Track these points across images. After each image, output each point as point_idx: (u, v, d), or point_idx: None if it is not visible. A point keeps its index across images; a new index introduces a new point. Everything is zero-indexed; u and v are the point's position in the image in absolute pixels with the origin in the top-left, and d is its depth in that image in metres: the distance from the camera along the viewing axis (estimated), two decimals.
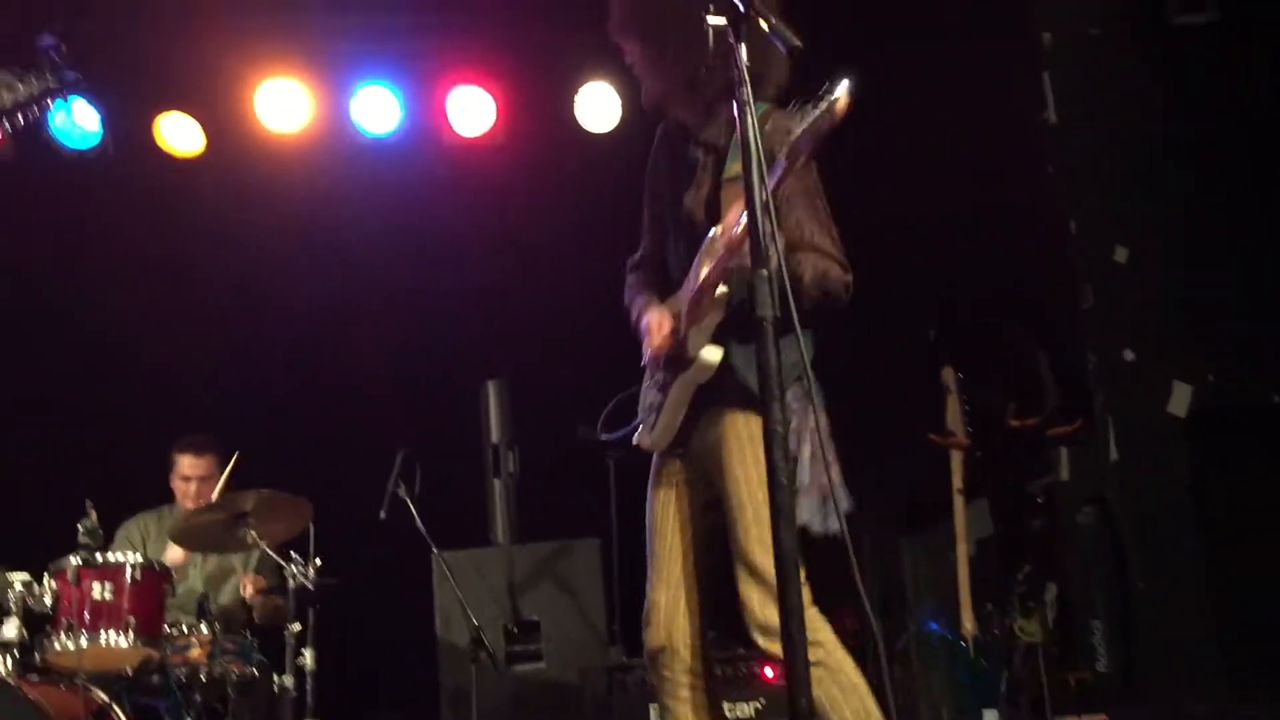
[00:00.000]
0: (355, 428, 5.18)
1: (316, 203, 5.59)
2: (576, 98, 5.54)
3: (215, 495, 4.25)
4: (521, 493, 4.86)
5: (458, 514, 4.78)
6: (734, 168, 2.64)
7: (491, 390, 4.94)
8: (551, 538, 4.74)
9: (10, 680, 3.52)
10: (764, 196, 1.86)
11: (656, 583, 2.76)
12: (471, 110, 5.57)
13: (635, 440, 2.92)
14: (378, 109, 5.53)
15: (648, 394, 2.85)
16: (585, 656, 4.49)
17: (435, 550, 4.43)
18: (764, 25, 1.86)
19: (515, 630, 4.62)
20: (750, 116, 1.88)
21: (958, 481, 3.76)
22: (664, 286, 2.87)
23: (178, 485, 4.50)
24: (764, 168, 1.87)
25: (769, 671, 4.03)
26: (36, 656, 3.71)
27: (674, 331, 2.71)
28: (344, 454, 5.03)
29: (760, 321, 1.80)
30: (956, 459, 3.80)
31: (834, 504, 2.60)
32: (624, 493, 4.56)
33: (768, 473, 1.77)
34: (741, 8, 1.90)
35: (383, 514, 4.38)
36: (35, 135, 5.29)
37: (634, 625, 4.30)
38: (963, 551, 3.69)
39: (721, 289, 2.57)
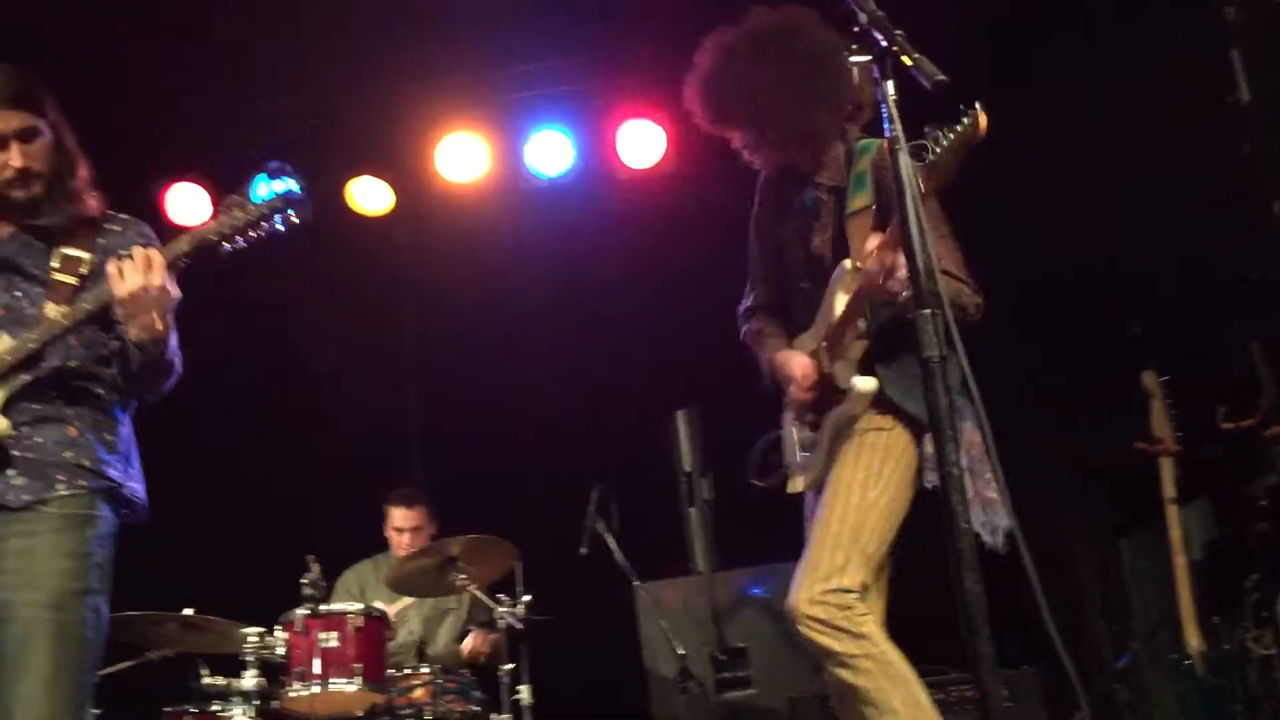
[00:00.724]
0: (552, 466, 5.31)
1: (499, 247, 5.78)
2: None
3: None
4: (719, 519, 4.87)
5: (657, 544, 4.83)
6: (856, 202, 2.72)
7: (681, 420, 4.98)
8: (752, 564, 4.73)
9: None
10: (921, 235, 1.82)
11: None
12: (641, 143, 5.66)
13: (789, 488, 2.95)
14: (551, 151, 5.70)
15: (797, 434, 2.86)
16: (795, 683, 4.45)
17: (636, 582, 4.49)
18: (907, 60, 1.84)
19: (723, 658, 4.62)
20: (904, 154, 1.85)
21: (1170, 490, 3.57)
22: (787, 329, 2.95)
23: (391, 535, 4.74)
24: (919, 204, 1.84)
25: None
26: (274, 704, 3.98)
27: (818, 370, 2.73)
28: (544, 493, 5.17)
29: (928, 362, 1.77)
30: (1166, 466, 3.61)
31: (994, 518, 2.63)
32: None
33: (947, 517, 1.74)
34: (885, 43, 1.88)
35: (583, 550, 4.48)
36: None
37: None
38: (1181, 564, 3.49)
39: (861, 322, 2.59)
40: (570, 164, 5.67)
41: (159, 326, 2.50)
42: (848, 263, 2.68)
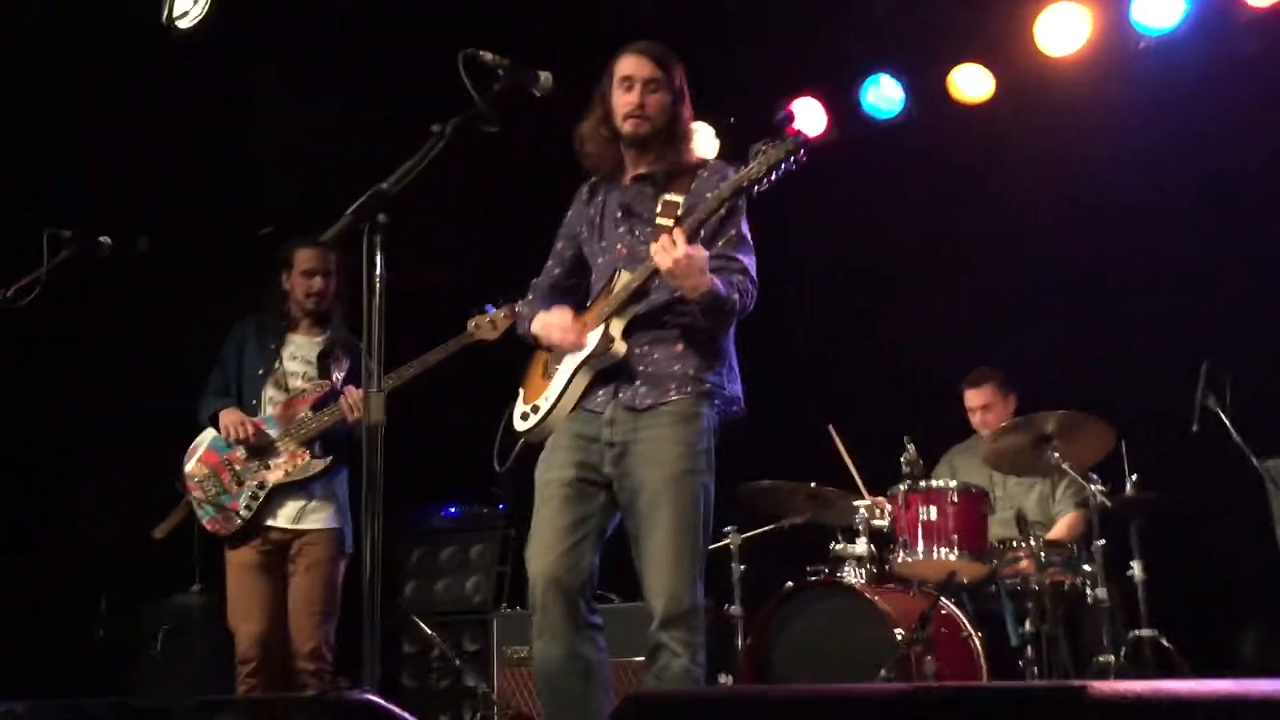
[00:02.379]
0: (1158, 342, 5.09)
1: (1110, 116, 5.55)
2: None
3: None
4: None
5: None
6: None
7: None
8: None
9: (862, 589, 4.25)
10: None
11: None
12: None
13: None
14: (1160, 4, 5.33)
15: None
16: None
17: (1256, 460, 4.23)
18: None
19: None
20: None
21: None
22: None
23: (971, 418, 4.95)
24: None
25: None
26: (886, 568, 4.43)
27: None
28: (1151, 371, 4.99)
29: None
30: None
31: None
32: None
33: None
34: None
35: (1194, 427, 4.31)
36: (852, 113, 6.11)
37: None
38: None
39: None
40: (1183, 15, 5.28)
41: (699, 286, 2.95)
42: None
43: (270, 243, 4.99)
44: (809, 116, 6.19)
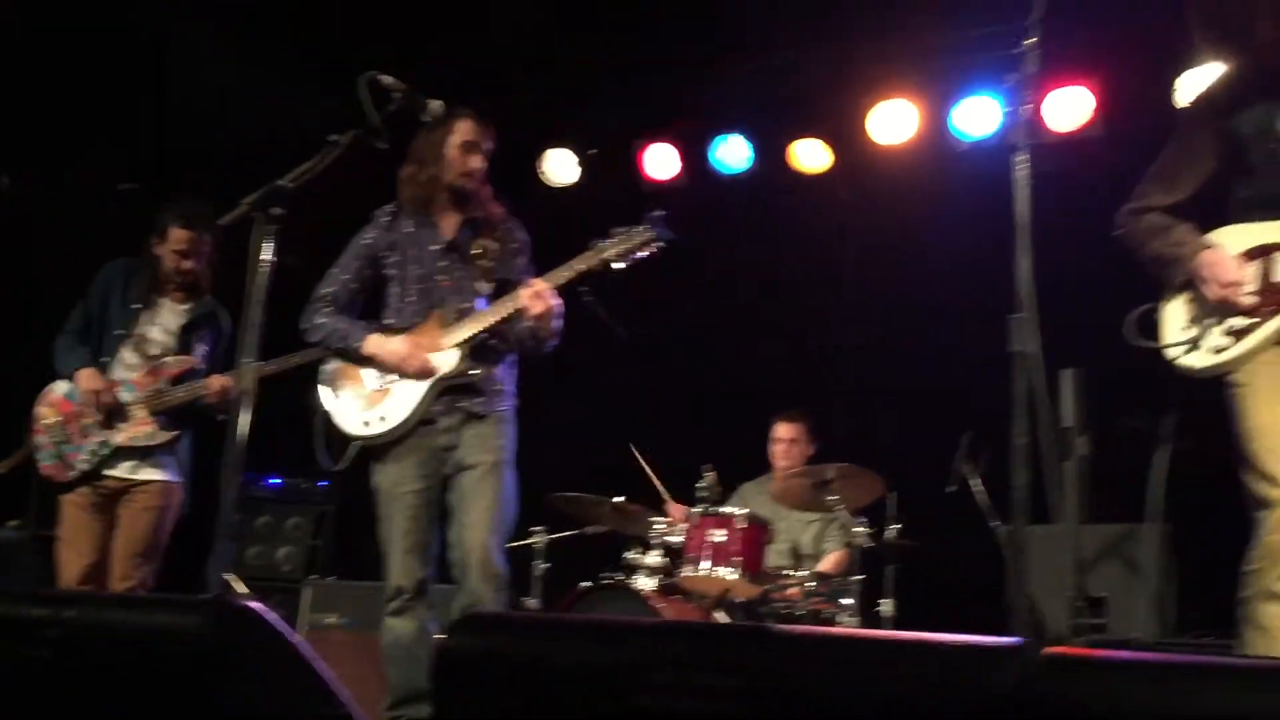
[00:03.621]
0: (936, 412, 5.75)
1: (921, 205, 6.23)
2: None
3: None
4: (1093, 476, 5.11)
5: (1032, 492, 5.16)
6: None
7: (1066, 379, 5.24)
8: (1117, 520, 4.93)
9: (648, 596, 4.72)
10: None
11: None
12: (1068, 108, 5.85)
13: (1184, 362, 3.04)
14: (978, 116, 6.04)
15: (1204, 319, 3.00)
16: (1150, 636, 4.65)
17: (995, 524, 4.89)
18: None
19: (1081, 605, 4.91)
20: None
21: None
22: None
23: (772, 447, 5.51)
24: None
25: None
26: (672, 580, 4.91)
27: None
28: (924, 435, 5.65)
29: None
30: None
31: None
32: (1185, 482, 4.64)
33: None
34: None
35: (950, 488, 4.95)
36: (702, 167, 6.65)
37: (1200, 608, 4.44)
38: None
39: None
40: (996, 128, 5.99)
41: (555, 328, 3.68)
42: None
43: (132, 197, 5.14)
44: (663, 161, 6.71)
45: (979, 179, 6.02)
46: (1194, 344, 2.95)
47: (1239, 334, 2.86)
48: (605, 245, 3.62)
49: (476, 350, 3.69)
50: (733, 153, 6.59)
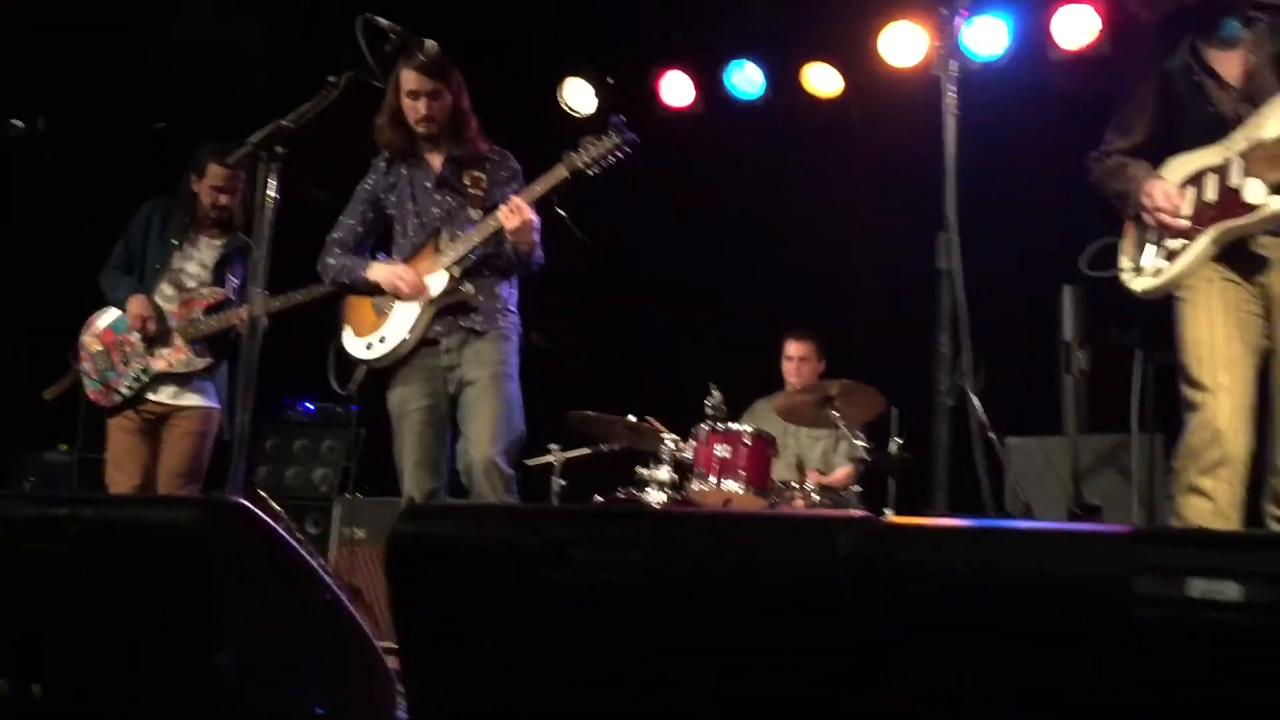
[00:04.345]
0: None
1: (936, 125, 6.29)
2: None
3: None
4: (1090, 389, 5.26)
5: (1032, 404, 5.33)
6: None
7: (1067, 295, 5.37)
8: (1114, 431, 5.09)
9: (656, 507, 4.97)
10: None
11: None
12: (1076, 26, 5.89)
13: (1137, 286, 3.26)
14: (989, 34, 6.09)
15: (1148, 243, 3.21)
16: None
17: (991, 435, 5.06)
18: None
19: (1078, 512, 5.09)
20: None
21: None
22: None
23: (784, 364, 5.69)
24: None
25: None
26: (682, 494, 5.15)
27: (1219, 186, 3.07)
28: (927, 352, 5.79)
29: None
30: None
31: None
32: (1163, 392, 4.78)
33: None
34: None
35: (948, 401, 5.10)
36: (716, 92, 6.76)
37: None
38: None
39: None
40: (1005, 47, 6.05)
41: (532, 242, 3.88)
42: None
43: (164, 137, 5.36)
44: (679, 89, 6.84)
45: (991, 99, 6.12)
46: (1138, 269, 3.11)
47: (1173, 255, 3.02)
48: (576, 156, 3.82)
49: (469, 271, 3.92)
50: (747, 79, 6.69)
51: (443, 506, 2.85)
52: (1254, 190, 2.92)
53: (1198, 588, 1.17)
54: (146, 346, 4.69)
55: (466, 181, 3.98)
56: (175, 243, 4.81)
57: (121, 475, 4.70)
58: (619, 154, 3.77)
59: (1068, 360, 5.33)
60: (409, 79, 3.92)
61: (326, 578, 2.03)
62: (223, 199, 4.80)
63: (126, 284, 4.74)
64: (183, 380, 4.75)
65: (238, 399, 3.08)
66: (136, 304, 4.67)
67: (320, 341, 6.11)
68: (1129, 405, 5.15)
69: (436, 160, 4.06)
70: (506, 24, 6.38)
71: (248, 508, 1.93)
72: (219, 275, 4.86)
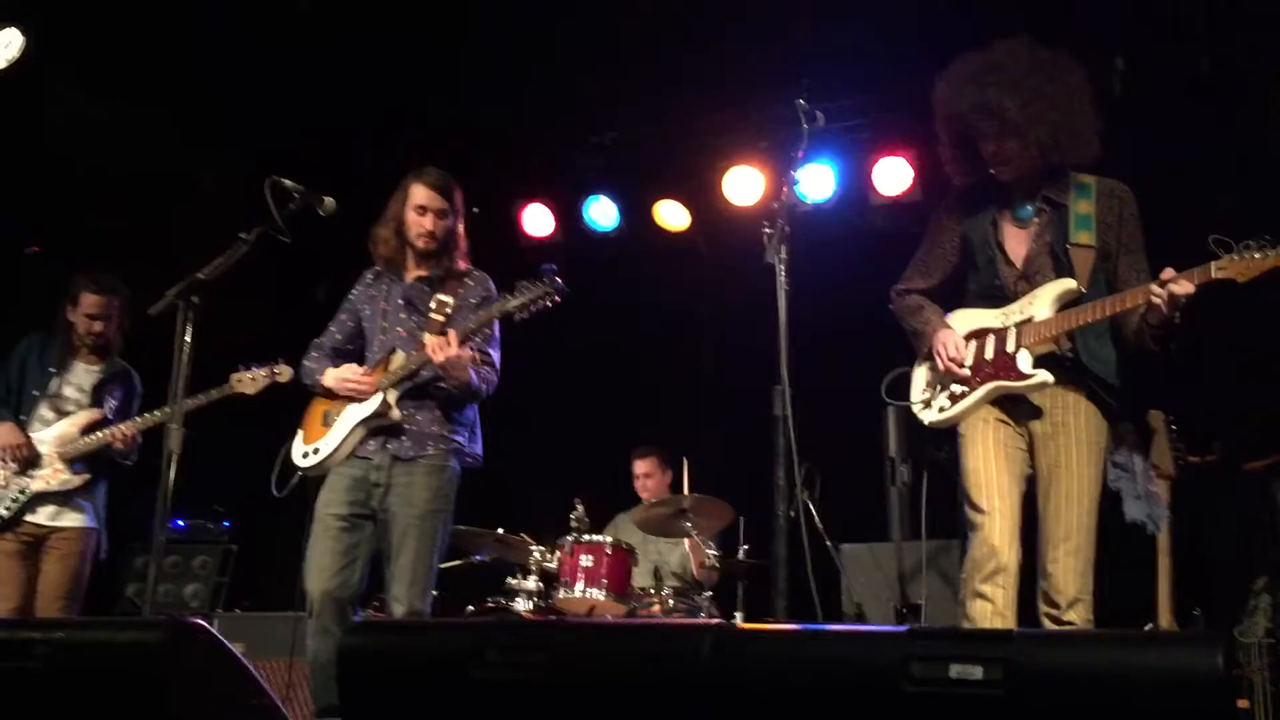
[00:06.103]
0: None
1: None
2: None
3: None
4: (913, 499, 5.89)
5: (863, 514, 5.93)
6: (1080, 237, 3.59)
7: (891, 415, 6.02)
8: (937, 537, 5.69)
9: (525, 615, 5.33)
10: None
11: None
12: (893, 175, 6.65)
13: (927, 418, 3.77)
14: (818, 180, 6.81)
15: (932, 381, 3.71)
16: None
17: (830, 543, 5.63)
18: None
19: (903, 610, 5.66)
20: None
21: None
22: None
23: (635, 482, 6.18)
24: None
25: None
26: (549, 602, 5.52)
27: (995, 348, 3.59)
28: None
29: None
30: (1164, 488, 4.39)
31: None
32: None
33: None
34: None
35: (791, 513, 5.65)
36: (575, 223, 7.31)
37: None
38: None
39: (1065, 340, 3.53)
40: (831, 192, 6.77)
41: (461, 378, 3.95)
42: (1071, 283, 3.49)
43: (38, 261, 5.58)
44: (540, 219, 7.37)
45: (820, 238, 6.83)
46: (927, 403, 3.69)
47: (955, 399, 3.61)
48: (509, 299, 3.95)
49: (414, 393, 3.99)
50: (603, 212, 7.26)
51: (383, 623, 3.20)
52: (1024, 360, 3.52)
53: (955, 670, 1.67)
54: (22, 468, 4.86)
55: (432, 305, 4.07)
56: (53, 370, 5.04)
57: (0, 600, 4.82)
58: (548, 302, 3.89)
59: (893, 473, 5.97)
60: (419, 194, 4.08)
61: (264, 685, 2.39)
62: (96, 326, 5.06)
63: (1, 415, 4.94)
64: (63, 499, 4.93)
65: (156, 521, 3.36)
66: (6, 434, 4.87)
67: (191, 461, 6.33)
68: (950, 514, 5.80)
69: (410, 278, 4.16)
70: (374, 151, 6.75)
71: (206, 627, 2.28)
72: (97, 398, 5.09)
